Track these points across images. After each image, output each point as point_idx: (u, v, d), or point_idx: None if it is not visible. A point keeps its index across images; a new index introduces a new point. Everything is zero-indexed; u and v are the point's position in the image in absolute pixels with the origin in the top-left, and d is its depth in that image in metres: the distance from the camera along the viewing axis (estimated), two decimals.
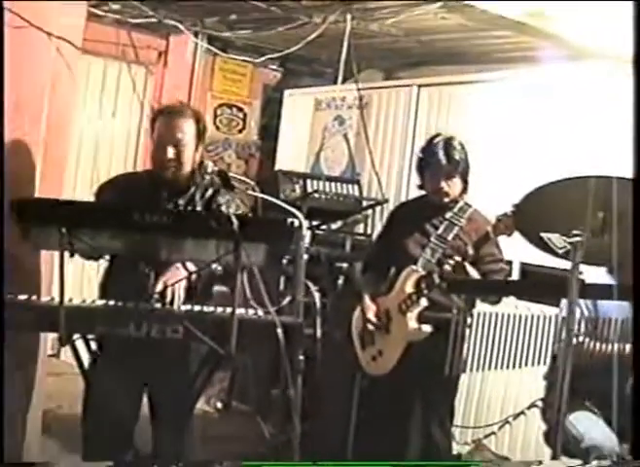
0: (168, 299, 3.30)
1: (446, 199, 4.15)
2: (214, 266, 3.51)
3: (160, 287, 3.33)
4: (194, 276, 3.45)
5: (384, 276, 4.33)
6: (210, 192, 3.70)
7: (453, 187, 4.13)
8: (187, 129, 3.62)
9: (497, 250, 4.14)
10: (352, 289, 5.26)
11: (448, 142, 4.12)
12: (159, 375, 3.64)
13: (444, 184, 4.10)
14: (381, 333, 4.22)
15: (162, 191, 3.66)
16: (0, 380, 3.24)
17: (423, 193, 4.28)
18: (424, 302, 4.05)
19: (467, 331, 3.45)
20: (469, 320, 3.46)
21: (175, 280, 3.36)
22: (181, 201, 3.67)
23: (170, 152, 3.58)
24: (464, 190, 4.18)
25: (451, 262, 3.94)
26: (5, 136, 3.57)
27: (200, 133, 3.69)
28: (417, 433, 4.31)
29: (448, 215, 4.17)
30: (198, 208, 3.64)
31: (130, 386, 3.65)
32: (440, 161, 4.08)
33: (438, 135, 4.19)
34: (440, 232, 4.15)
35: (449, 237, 4.13)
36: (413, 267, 4.11)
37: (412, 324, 4.05)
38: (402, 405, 4.28)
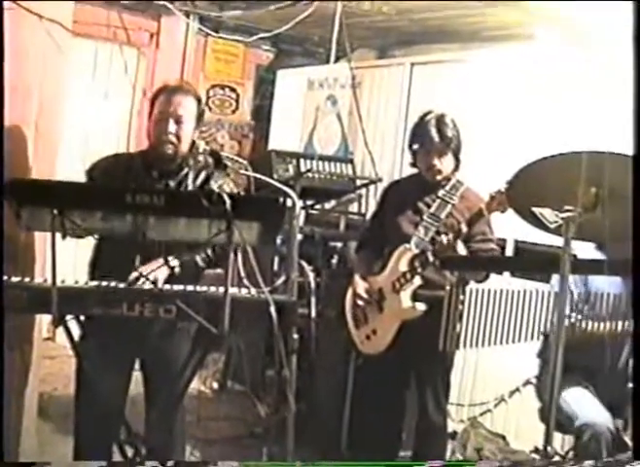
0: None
1: (439, 177, 4.13)
2: (198, 258, 3.52)
3: (135, 275, 3.31)
4: (177, 270, 3.45)
5: (378, 255, 4.33)
6: (204, 174, 3.68)
7: (446, 164, 4.11)
8: (188, 107, 3.62)
9: (489, 229, 4.12)
10: (346, 268, 5.27)
11: (440, 119, 4.10)
12: (151, 354, 3.66)
13: (436, 161, 4.09)
14: (375, 312, 4.22)
15: (153, 171, 3.65)
16: (0, 383, 3.24)
17: (416, 171, 4.27)
18: (418, 280, 4.06)
19: (460, 307, 3.45)
20: (462, 297, 3.46)
21: (154, 270, 3.37)
22: (172, 182, 3.64)
23: (171, 127, 3.57)
24: (456, 167, 4.16)
25: (444, 240, 3.94)
26: None
27: (200, 114, 3.69)
28: (413, 411, 4.33)
29: (441, 193, 4.15)
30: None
31: (120, 365, 3.65)
32: (432, 138, 4.06)
33: (429, 113, 4.16)
34: (432, 210, 4.13)
35: (442, 215, 4.11)
36: (407, 245, 4.10)
37: (406, 302, 4.06)
38: (397, 383, 4.29)
